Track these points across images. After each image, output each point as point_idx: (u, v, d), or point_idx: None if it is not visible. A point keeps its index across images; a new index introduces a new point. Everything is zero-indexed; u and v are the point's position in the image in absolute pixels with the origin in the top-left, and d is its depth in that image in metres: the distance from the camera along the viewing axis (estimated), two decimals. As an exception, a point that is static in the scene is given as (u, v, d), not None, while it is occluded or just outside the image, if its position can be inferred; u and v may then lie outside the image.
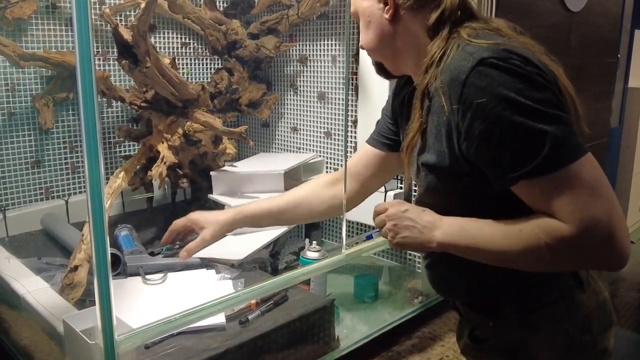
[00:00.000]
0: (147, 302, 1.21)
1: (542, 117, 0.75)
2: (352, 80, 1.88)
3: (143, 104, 1.66)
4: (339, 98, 1.94)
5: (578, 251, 0.77)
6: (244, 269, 1.44)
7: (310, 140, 2.07)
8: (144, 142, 1.62)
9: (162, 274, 1.31)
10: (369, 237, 1.56)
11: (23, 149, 1.82)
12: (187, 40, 2.15)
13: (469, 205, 0.87)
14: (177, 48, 2.13)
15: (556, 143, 0.74)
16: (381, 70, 1.03)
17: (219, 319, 1.12)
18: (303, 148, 2.10)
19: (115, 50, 1.49)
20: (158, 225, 1.85)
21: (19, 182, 1.82)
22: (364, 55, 1.78)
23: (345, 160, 1.38)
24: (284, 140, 2.20)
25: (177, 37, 2.12)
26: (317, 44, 1.99)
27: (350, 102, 1.91)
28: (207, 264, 1.40)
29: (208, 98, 1.72)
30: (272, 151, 2.25)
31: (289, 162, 1.82)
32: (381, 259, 1.85)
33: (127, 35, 1.43)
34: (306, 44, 2.03)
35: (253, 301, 1.18)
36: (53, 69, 1.75)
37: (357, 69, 1.82)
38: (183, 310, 0.97)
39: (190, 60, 2.17)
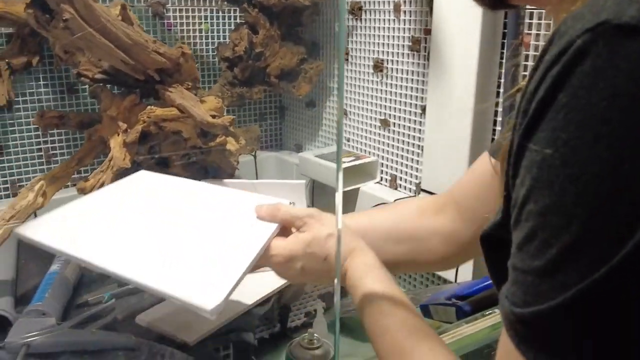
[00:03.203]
0: None
1: None
2: (423, 43, 1.21)
3: (98, 76, 1.13)
4: (403, 70, 1.28)
5: None
6: (200, 351, 0.88)
7: (362, 129, 1.43)
8: (89, 133, 1.09)
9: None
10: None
11: (-22, 131, 1.38)
12: (208, -15, 1.58)
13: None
14: (193, -5, 1.57)
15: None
16: None
17: None
18: (353, 140, 1.47)
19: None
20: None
21: (-27, 173, 1.39)
22: (440, 4, 1.10)
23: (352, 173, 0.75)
24: (333, 127, 1.58)
25: (192, -20, 1.55)
26: (377, -13, 1.32)
27: (418, 77, 1.24)
28: (137, 345, 0.86)
29: (194, 67, 1.14)
30: (319, 140, 1.64)
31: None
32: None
33: (30, -34, 0.88)
34: (363, -12, 1.37)
35: None
36: (-7, 24, 1.26)
37: (430, 25, 1.15)
38: None
39: (212, 12, 1.60)
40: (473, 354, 0.98)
